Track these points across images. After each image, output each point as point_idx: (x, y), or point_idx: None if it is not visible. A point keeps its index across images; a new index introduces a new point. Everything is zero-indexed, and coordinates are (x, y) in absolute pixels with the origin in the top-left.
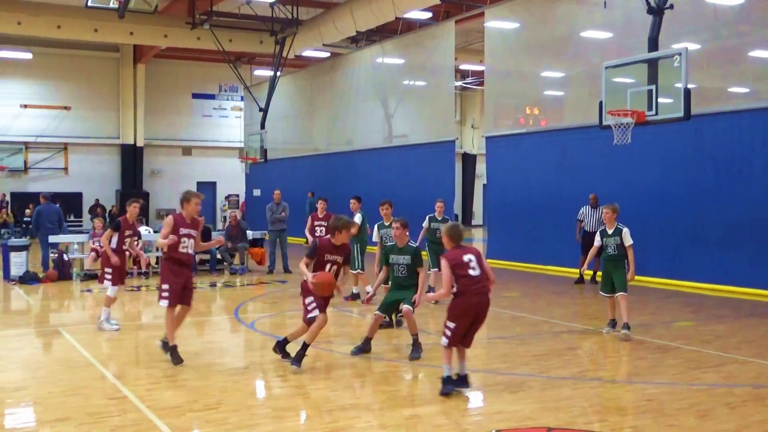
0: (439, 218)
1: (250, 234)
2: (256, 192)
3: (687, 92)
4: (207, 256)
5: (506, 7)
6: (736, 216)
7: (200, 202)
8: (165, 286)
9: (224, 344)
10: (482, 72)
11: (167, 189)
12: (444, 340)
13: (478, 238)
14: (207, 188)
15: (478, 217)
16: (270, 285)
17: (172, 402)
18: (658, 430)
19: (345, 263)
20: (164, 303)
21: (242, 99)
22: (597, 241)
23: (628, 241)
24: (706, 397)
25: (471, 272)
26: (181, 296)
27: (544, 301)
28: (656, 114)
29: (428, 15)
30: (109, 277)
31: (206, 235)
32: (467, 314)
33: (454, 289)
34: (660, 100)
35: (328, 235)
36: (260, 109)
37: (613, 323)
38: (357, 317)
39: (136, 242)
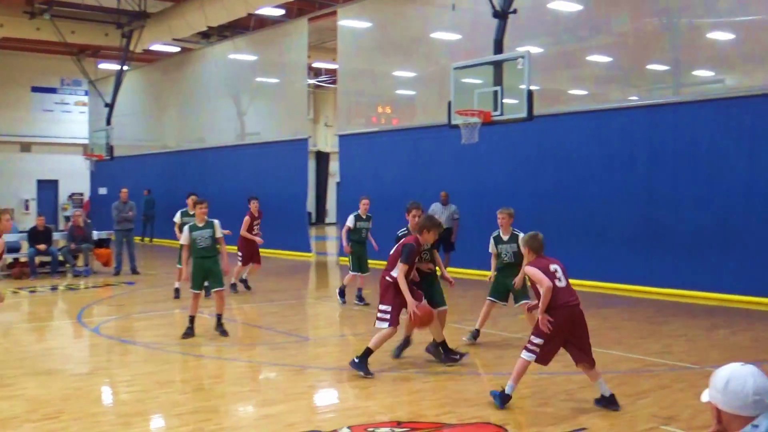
0: (364, 216)
1: (95, 234)
2: (102, 190)
3: (530, 93)
4: (48, 258)
5: (359, 6)
6: (575, 213)
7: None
8: None
9: (66, 350)
10: (335, 70)
11: (3, 188)
12: (530, 356)
13: (331, 236)
14: (48, 187)
15: (331, 215)
16: (116, 287)
17: (8, 413)
18: (502, 418)
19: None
20: None
21: (87, 93)
22: (491, 248)
23: None
24: (547, 386)
25: (558, 283)
26: None
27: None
28: (502, 114)
29: (281, 12)
30: None
31: (47, 236)
32: (559, 331)
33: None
34: (505, 100)
35: (416, 236)
36: (106, 105)
37: (476, 333)
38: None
39: None
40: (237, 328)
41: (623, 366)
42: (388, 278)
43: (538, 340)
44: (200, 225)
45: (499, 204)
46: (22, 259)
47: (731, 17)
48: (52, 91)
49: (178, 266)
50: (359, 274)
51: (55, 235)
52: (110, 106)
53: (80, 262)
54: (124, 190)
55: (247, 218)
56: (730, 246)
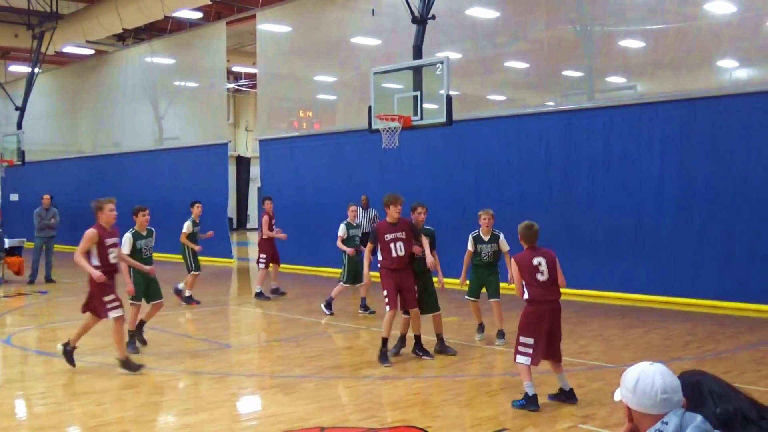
0: (354, 224)
1: (7, 242)
2: (14, 197)
3: (449, 99)
4: None
5: (278, 10)
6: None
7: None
8: None
9: None
10: (255, 74)
11: None
12: (523, 359)
13: (253, 241)
14: None
15: (253, 220)
16: (30, 296)
17: None
18: (425, 421)
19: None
20: None
21: None
22: (470, 246)
23: (506, 247)
24: (468, 388)
25: (539, 277)
26: None
27: (317, 303)
28: (421, 119)
29: (199, 15)
30: None
31: None
32: (542, 324)
33: (526, 296)
34: (425, 105)
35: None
36: (16, 108)
37: (482, 327)
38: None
39: None
40: (156, 336)
41: (542, 366)
42: (379, 265)
43: (527, 340)
44: (143, 234)
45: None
46: None
47: (642, 25)
48: None
49: (194, 272)
50: (351, 285)
51: None
52: (21, 109)
53: None
54: (47, 196)
55: (265, 218)
56: (643, 247)
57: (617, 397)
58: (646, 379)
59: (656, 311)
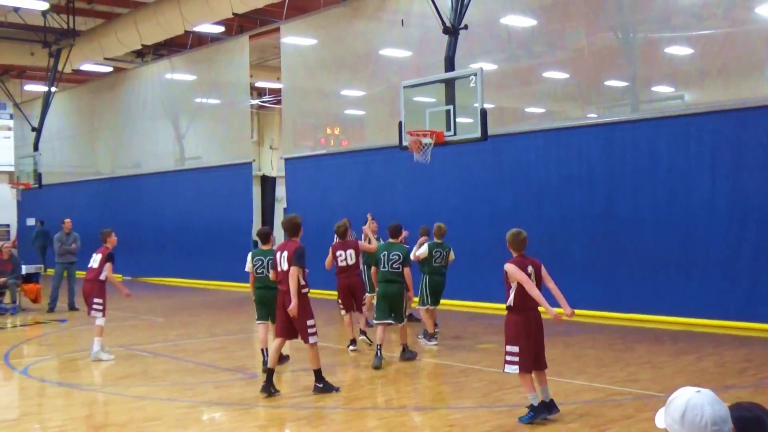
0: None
1: (24, 268)
2: (30, 221)
3: (483, 112)
4: None
5: (303, 22)
6: (532, 235)
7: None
8: None
9: None
10: (280, 90)
11: None
12: (512, 368)
13: None
14: None
15: (278, 242)
16: (47, 325)
17: None
18: None
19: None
20: None
21: (12, 117)
22: (424, 251)
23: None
24: (507, 418)
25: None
26: None
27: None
28: (455, 134)
29: (220, 29)
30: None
31: None
32: (529, 332)
33: (511, 303)
34: (459, 120)
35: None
36: (33, 129)
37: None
38: None
39: None
40: (179, 366)
41: (587, 396)
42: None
43: (514, 348)
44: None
45: (452, 227)
46: None
47: (688, 31)
48: None
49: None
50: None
51: None
52: (38, 130)
53: (7, 298)
54: (68, 220)
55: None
56: (693, 267)
57: (660, 423)
58: (694, 409)
59: (709, 336)
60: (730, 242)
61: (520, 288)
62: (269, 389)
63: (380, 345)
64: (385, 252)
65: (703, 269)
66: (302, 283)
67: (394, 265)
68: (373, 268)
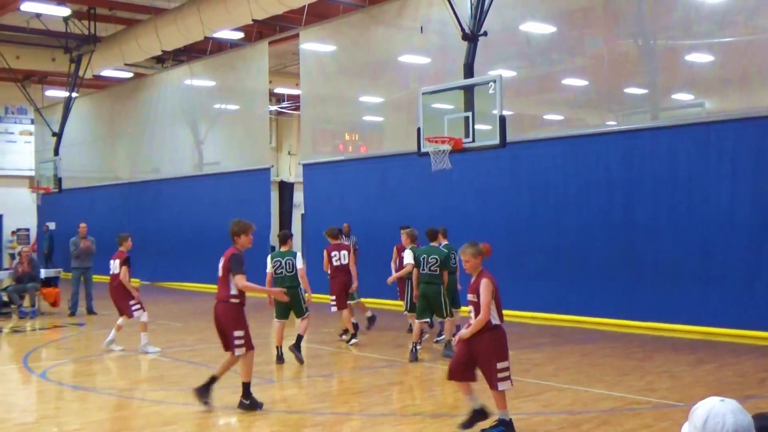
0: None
1: (43, 272)
2: (51, 225)
3: (502, 119)
4: None
5: (321, 28)
6: (551, 243)
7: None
8: None
9: (11, 397)
10: (298, 96)
11: None
12: (506, 384)
13: None
14: None
15: (296, 248)
16: (66, 329)
17: None
18: None
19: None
20: None
21: (33, 122)
22: (410, 258)
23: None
24: (524, 427)
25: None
26: None
27: (365, 337)
28: (473, 141)
29: (240, 35)
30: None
31: None
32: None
33: (495, 322)
34: (477, 126)
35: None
36: (54, 134)
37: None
38: None
39: None
40: (195, 371)
41: (605, 405)
42: None
43: (505, 364)
44: None
45: (470, 234)
46: None
47: (709, 39)
48: None
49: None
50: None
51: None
52: (58, 135)
53: (26, 302)
54: (83, 224)
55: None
56: (713, 276)
57: None
58: (716, 417)
59: (728, 345)
60: (750, 251)
61: (498, 304)
62: (204, 395)
63: (418, 342)
64: (425, 255)
65: (723, 278)
66: (233, 293)
67: (431, 268)
68: (414, 270)
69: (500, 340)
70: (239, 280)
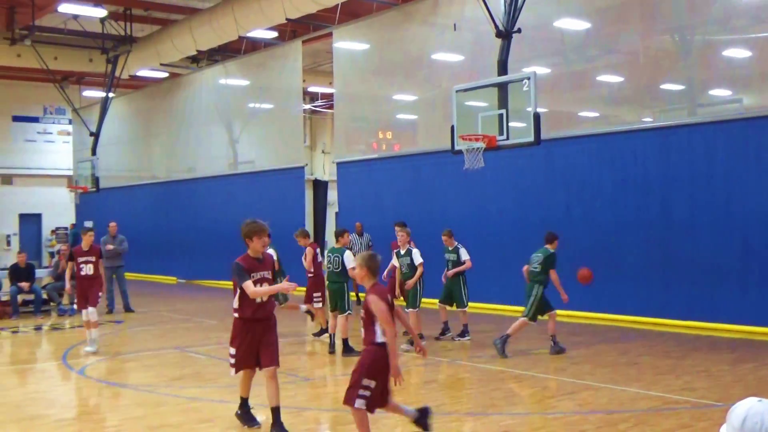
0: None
1: None
2: (88, 224)
3: (537, 116)
4: (31, 296)
5: (355, 27)
6: (586, 241)
7: None
8: None
9: (51, 394)
10: (332, 95)
11: None
12: (360, 402)
13: None
14: (31, 221)
15: (330, 246)
16: (104, 326)
17: None
18: None
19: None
20: None
21: (71, 122)
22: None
23: (418, 260)
24: (560, 426)
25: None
26: None
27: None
28: (507, 139)
29: (274, 34)
30: None
31: (30, 274)
32: (387, 370)
33: (380, 340)
34: (511, 124)
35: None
36: (91, 134)
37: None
38: None
39: None
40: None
41: (642, 404)
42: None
43: (371, 384)
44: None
45: (504, 232)
46: (4, 298)
47: (747, 34)
48: (35, 120)
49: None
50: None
51: (39, 272)
52: (95, 135)
53: (65, 300)
54: (113, 223)
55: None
56: (752, 274)
57: None
58: (754, 417)
59: None
60: None
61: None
62: (248, 418)
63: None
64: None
65: (762, 276)
66: (234, 306)
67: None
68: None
69: (379, 359)
70: (247, 288)
